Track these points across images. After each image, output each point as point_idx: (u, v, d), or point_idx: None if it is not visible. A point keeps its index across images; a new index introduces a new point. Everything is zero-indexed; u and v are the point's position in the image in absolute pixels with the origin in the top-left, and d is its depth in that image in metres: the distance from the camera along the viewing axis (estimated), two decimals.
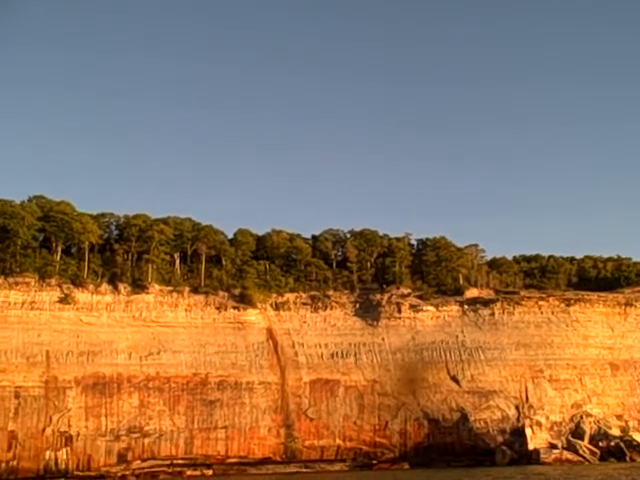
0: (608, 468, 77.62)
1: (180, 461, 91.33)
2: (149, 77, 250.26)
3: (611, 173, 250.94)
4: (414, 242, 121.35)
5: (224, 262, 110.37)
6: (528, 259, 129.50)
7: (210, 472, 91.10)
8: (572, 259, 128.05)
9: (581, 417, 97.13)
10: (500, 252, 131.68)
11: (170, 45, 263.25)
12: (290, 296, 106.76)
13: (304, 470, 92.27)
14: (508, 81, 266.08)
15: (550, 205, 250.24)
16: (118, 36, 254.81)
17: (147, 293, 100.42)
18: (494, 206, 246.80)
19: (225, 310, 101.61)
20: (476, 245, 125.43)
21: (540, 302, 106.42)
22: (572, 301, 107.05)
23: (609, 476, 65.77)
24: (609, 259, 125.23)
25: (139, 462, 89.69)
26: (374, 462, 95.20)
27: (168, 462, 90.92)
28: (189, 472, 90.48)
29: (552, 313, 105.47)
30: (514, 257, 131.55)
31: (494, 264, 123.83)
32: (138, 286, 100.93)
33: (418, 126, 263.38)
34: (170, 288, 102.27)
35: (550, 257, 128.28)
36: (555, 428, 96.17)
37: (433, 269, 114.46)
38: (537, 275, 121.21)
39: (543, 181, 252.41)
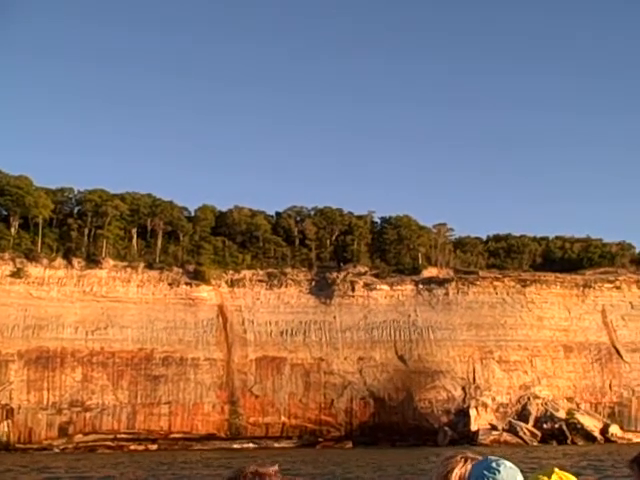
0: (532, 451, 76.73)
1: (123, 435, 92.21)
2: (116, 44, 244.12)
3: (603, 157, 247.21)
4: (377, 220, 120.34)
5: (181, 238, 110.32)
6: (498, 239, 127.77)
7: (155, 447, 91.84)
8: (542, 239, 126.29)
9: (528, 399, 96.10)
10: (475, 232, 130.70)
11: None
12: (247, 273, 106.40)
13: (250, 446, 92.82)
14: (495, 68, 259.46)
15: (528, 185, 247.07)
16: None
17: (101, 268, 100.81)
18: (470, 184, 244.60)
19: (177, 286, 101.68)
20: (444, 224, 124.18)
21: (495, 282, 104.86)
22: (528, 282, 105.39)
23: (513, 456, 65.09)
24: (577, 240, 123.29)
25: (81, 436, 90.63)
26: (320, 440, 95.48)
27: (111, 436, 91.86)
28: (132, 446, 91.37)
29: (507, 294, 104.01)
30: (487, 237, 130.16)
31: (460, 243, 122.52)
32: (92, 261, 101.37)
33: (389, 102, 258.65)
34: (125, 264, 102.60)
35: (521, 237, 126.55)
36: (501, 409, 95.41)
37: (393, 248, 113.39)
38: (502, 255, 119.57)
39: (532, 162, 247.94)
